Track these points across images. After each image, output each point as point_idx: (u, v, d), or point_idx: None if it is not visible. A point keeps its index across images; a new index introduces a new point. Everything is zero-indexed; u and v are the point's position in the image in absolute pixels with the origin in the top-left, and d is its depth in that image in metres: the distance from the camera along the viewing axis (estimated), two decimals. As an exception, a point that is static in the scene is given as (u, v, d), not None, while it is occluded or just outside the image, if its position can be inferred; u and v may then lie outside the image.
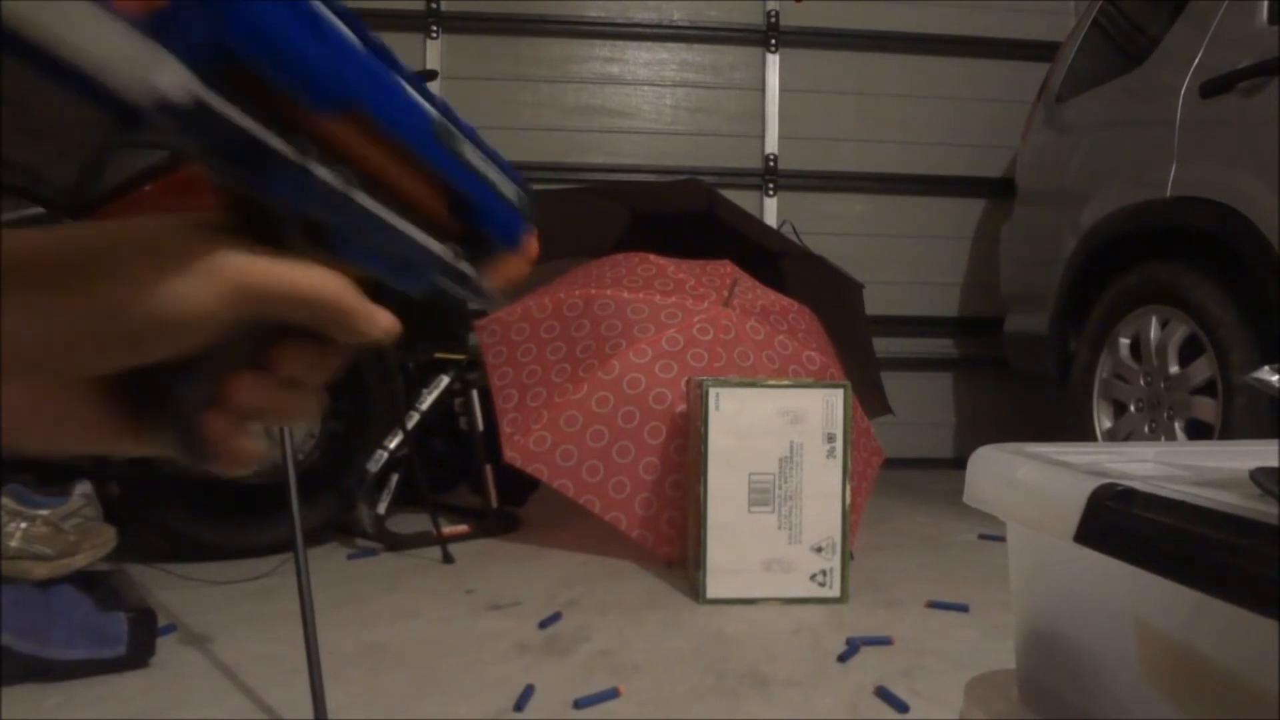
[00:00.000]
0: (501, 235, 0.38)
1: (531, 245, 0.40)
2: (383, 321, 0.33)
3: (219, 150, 0.27)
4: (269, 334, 0.32)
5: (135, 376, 0.30)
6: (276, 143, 0.27)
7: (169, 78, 0.23)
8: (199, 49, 0.24)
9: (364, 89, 0.29)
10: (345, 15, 0.29)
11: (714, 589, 1.91)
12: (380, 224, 0.32)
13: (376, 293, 0.33)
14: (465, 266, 0.37)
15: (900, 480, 3.40)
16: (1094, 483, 0.52)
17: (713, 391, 1.91)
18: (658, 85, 3.86)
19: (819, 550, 1.94)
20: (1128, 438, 2.57)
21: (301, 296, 0.30)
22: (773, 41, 3.84)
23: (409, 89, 0.32)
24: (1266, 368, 2.05)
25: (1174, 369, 2.41)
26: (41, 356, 0.27)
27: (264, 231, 0.30)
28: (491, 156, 0.37)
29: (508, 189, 0.38)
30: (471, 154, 0.35)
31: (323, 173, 0.29)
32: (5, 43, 0.21)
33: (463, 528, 2.47)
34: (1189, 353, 2.37)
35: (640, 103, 3.85)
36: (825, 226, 3.80)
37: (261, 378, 0.32)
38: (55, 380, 0.30)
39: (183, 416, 0.31)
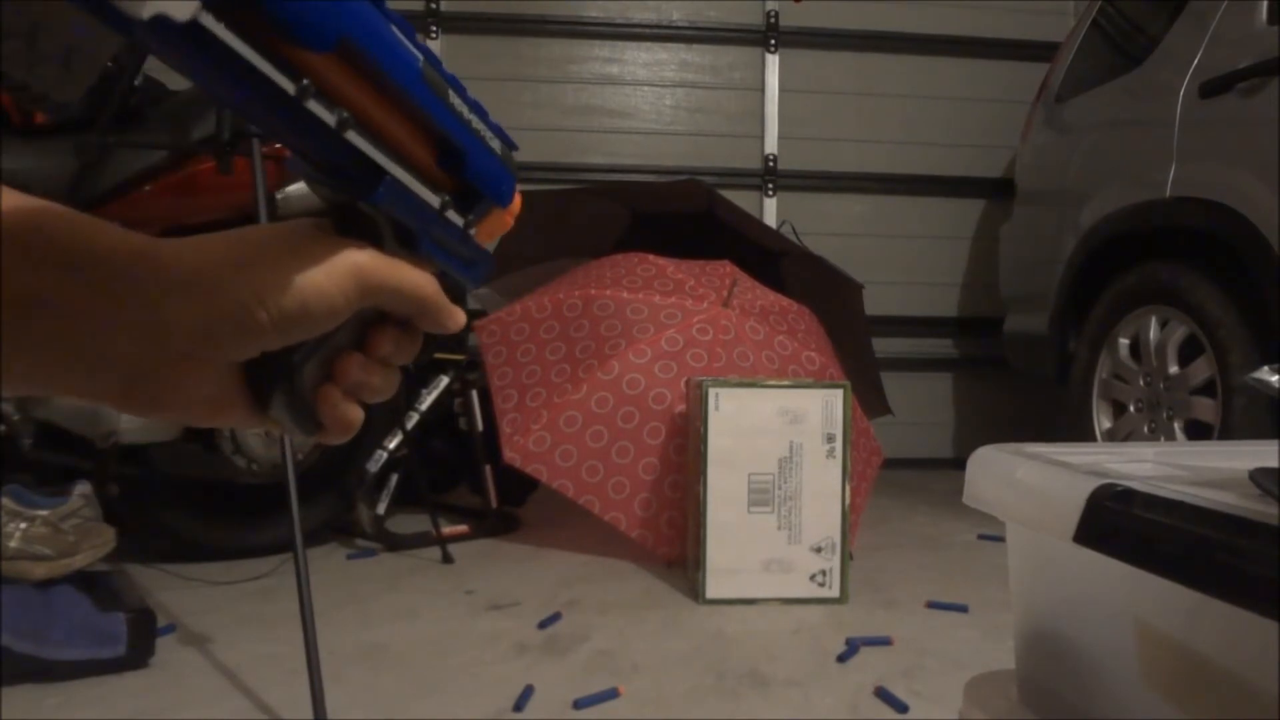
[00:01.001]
0: (489, 188, 0.40)
1: (516, 200, 0.42)
2: (459, 316, 0.39)
3: (334, 172, 0.33)
4: (368, 321, 0.37)
5: (264, 358, 0.34)
6: (273, 73, 0.29)
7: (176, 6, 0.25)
8: None
9: (355, 26, 0.30)
10: None
11: (714, 589, 1.91)
12: (373, 165, 0.34)
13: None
14: (454, 217, 0.39)
15: (900, 480, 3.40)
16: (1093, 483, 0.52)
17: (712, 392, 1.91)
18: (657, 85, 3.86)
19: (819, 550, 1.94)
20: (1127, 438, 2.57)
21: (408, 291, 0.36)
22: (772, 42, 3.84)
23: (398, 32, 0.33)
24: (1266, 368, 2.05)
25: (1173, 369, 2.41)
26: (201, 344, 0.32)
27: (366, 231, 0.35)
28: (475, 108, 0.38)
29: (494, 143, 0.39)
30: (458, 103, 0.36)
31: (320, 111, 0.31)
32: None
33: (462, 528, 2.47)
34: (1188, 353, 2.37)
35: (640, 103, 3.85)
36: (825, 227, 3.80)
37: (362, 358, 0.38)
38: (208, 363, 0.34)
39: (304, 392, 0.36)
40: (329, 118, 0.31)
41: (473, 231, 0.40)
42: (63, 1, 0.23)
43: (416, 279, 0.36)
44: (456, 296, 2.80)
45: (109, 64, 1.81)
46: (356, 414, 0.38)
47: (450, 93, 0.36)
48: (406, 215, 0.35)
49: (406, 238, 0.36)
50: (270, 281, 0.32)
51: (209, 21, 0.26)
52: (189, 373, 0.33)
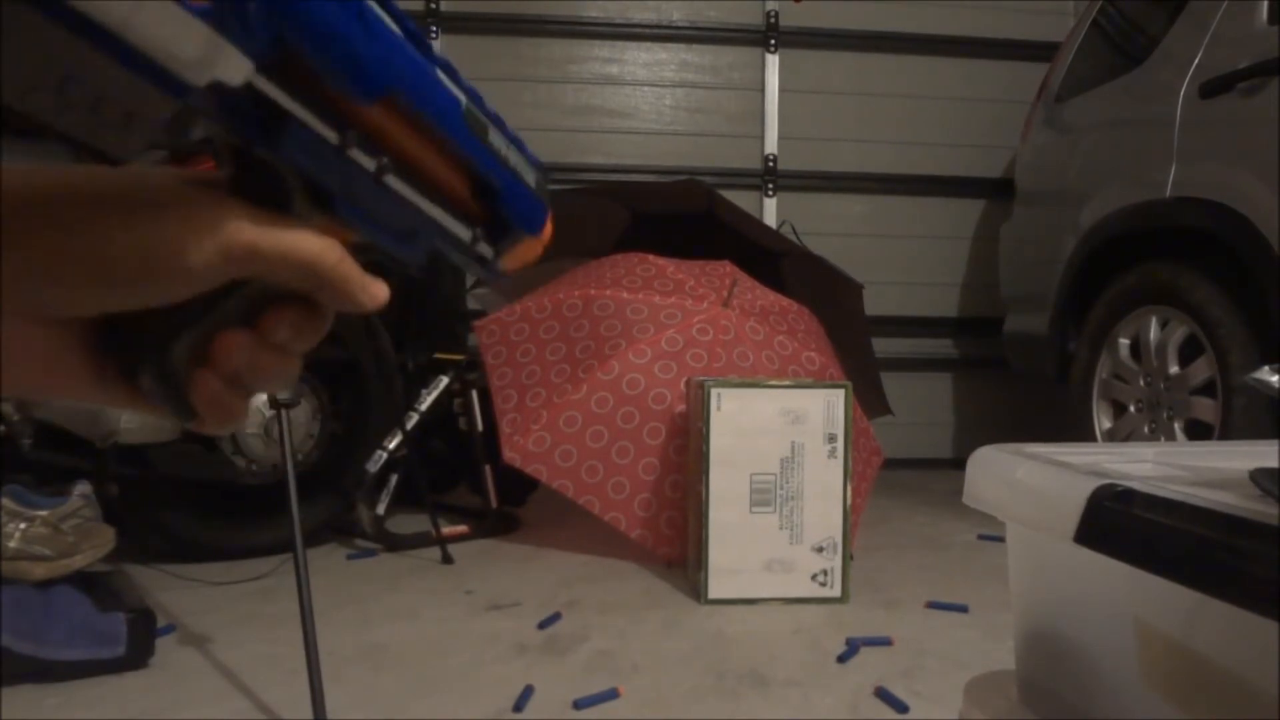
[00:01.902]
0: (522, 220, 0.39)
1: (547, 229, 0.41)
2: (375, 290, 0.33)
3: (236, 114, 0.28)
4: (262, 296, 0.32)
5: (130, 329, 0.31)
6: (323, 129, 0.29)
7: (228, 64, 0.25)
8: (258, 39, 0.26)
9: (405, 79, 0.30)
10: (386, 3, 0.30)
11: (715, 589, 1.91)
12: (411, 209, 0.33)
13: (375, 269, 0.34)
14: (484, 249, 0.38)
15: (900, 480, 3.40)
16: (1094, 483, 0.52)
17: (714, 392, 1.91)
18: (657, 86, 3.86)
19: (820, 550, 1.94)
20: (1127, 438, 2.57)
21: (295, 260, 0.30)
22: (772, 42, 3.84)
23: (443, 77, 0.33)
24: (1266, 368, 2.04)
25: (1174, 369, 2.41)
26: (36, 290, 0.28)
27: (267, 190, 0.31)
28: (514, 142, 0.38)
29: (529, 175, 0.39)
30: (497, 140, 0.36)
31: (363, 159, 0.31)
32: (82, 28, 0.23)
33: (462, 528, 2.47)
34: (1188, 353, 2.37)
35: (640, 103, 3.85)
36: (825, 227, 3.80)
37: (251, 338, 0.32)
38: (49, 318, 0.30)
39: (172, 371, 0.32)
40: (369, 164, 0.31)
41: (501, 260, 0.40)
42: (122, 71, 0.24)
43: (310, 246, 0.30)
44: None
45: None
46: (237, 403, 0.33)
47: (490, 131, 0.36)
48: (319, 170, 0.30)
49: (320, 198, 0.31)
50: (112, 229, 0.28)
51: (263, 84, 0.27)
52: (23, 337, 0.30)
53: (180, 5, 0.23)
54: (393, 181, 0.32)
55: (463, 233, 0.36)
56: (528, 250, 0.41)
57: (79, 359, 0.31)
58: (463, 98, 0.34)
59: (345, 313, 0.34)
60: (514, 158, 0.37)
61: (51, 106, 0.24)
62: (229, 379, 0.33)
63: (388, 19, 0.30)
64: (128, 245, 0.28)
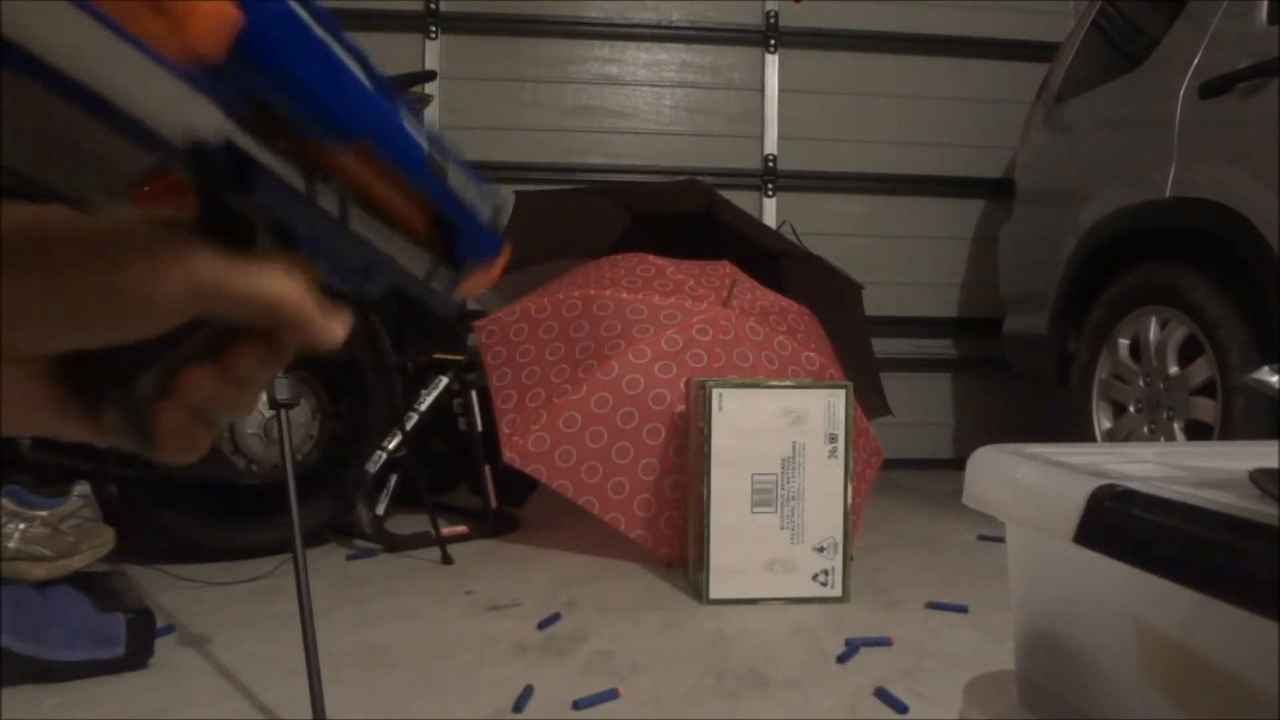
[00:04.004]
0: (476, 253, 0.41)
1: (499, 260, 0.43)
2: (335, 330, 0.34)
3: (203, 157, 0.29)
4: (224, 331, 0.33)
5: (92, 364, 0.31)
6: (292, 178, 0.30)
7: (207, 122, 0.26)
8: (236, 96, 0.27)
9: (372, 126, 0.32)
10: (356, 54, 0.31)
11: (717, 589, 1.91)
12: (371, 248, 0.35)
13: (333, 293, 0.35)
14: (438, 282, 0.39)
15: (900, 481, 3.40)
16: (1093, 483, 0.52)
17: (716, 392, 1.91)
18: (657, 86, 3.86)
19: (821, 550, 1.94)
20: (1127, 438, 2.57)
21: (260, 299, 0.31)
22: (772, 42, 3.84)
23: (406, 123, 0.34)
24: (1266, 368, 2.05)
25: (1173, 370, 2.41)
26: (5, 330, 0.29)
27: (231, 228, 0.32)
28: (471, 176, 0.39)
29: (485, 210, 0.40)
30: (455, 180, 0.37)
31: (328, 205, 0.32)
32: (62, 86, 0.23)
33: (462, 528, 2.47)
34: (1188, 353, 2.37)
35: (639, 103, 3.85)
36: (824, 227, 3.80)
37: (213, 372, 0.33)
38: (14, 356, 0.30)
39: (136, 405, 0.32)
40: (334, 209, 0.32)
41: (455, 289, 0.41)
42: (101, 128, 0.24)
43: (273, 286, 0.31)
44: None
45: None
46: (200, 435, 0.34)
47: (450, 172, 0.37)
48: (283, 212, 0.32)
49: (284, 238, 0.32)
50: (76, 268, 0.29)
51: (241, 139, 0.27)
52: None
53: (161, 65, 0.24)
54: (356, 224, 0.33)
55: (419, 268, 0.38)
56: (479, 279, 0.42)
57: (41, 394, 0.32)
58: (424, 143, 0.35)
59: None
60: (471, 194, 0.39)
61: (29, 157, 0.25)
62: (191, 411, 0.33)
63: (359, 72, 0.31)
64: (97, 286, 0.29)
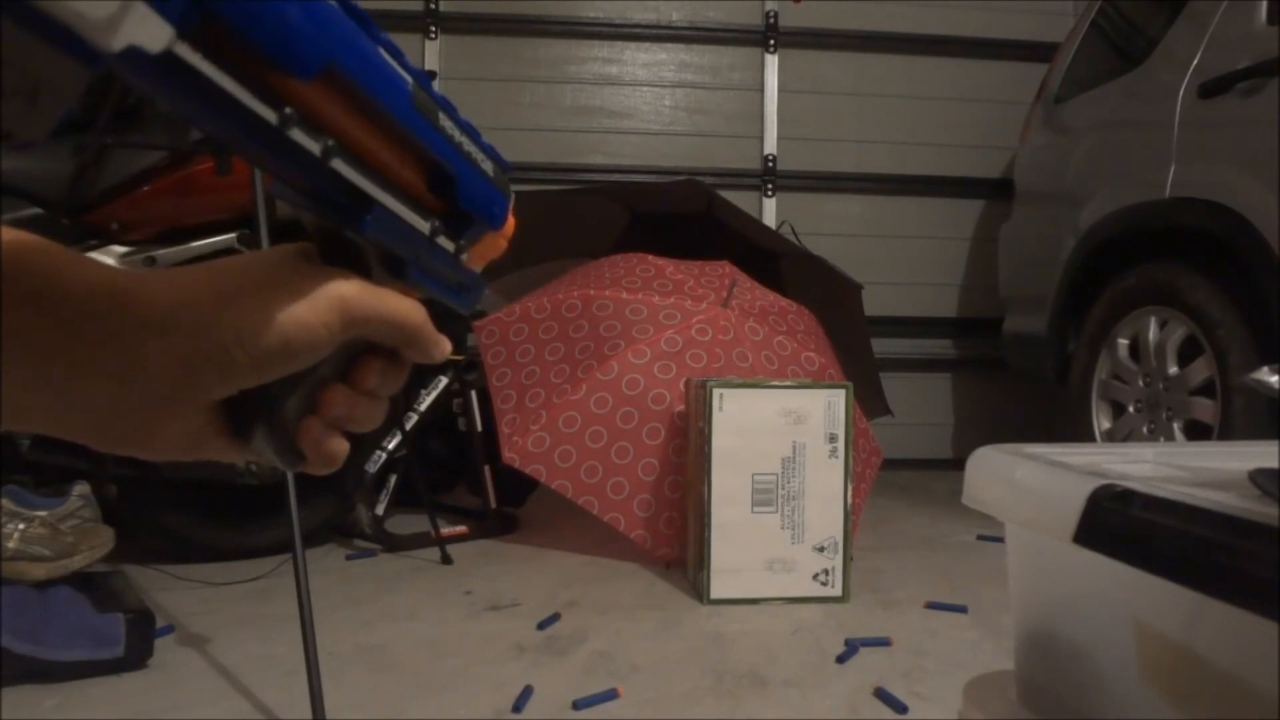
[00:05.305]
0: (482, 211, 0.38)
1: (509, 223, 0.41)
2: (446, 346, 0.38)
3: (321, 199, 0.31)
4: (354, 351, 0.36)
5: (245, 391, 0.33)
6: (252, 102, 0.27)
7: (142, 27, 0.23)
8: (178, 4, 0.24)
9: (342, 52, 0.29)
10: None
11: (718, 589, 1.91)
12: (360, 192, 0.33)
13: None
14: (445, 243, 0.38)
15: (899, 481, 3.40)
16: (1093, 484, 0.52)
17: (717, 392, 1.91)
18: (656, 86, 3.86)
19: (821, 550, 1.94)
20: (1126, 438, 2.57)
21: (395, 321, 0.35)
22: (771, 42, 3.84)
23: (387, 57, 0.32)
24: (1265, 368, 2.05)
25: (1173, 370, 2.41)
26: (179, 385, 0.31)
27: (350, 261, 0.34)
28: (468, 131, 0.37)
29: (486, 165, 0.38)
30: (448, 125, 0.35)
31: (305, 140, 0.29)
32: None
33: (461, 529, 2.47)
34: (1188, 353, 2.37)
35: (639, 103, 3.85)
36: (824, 227, 3.80)
37: (347, 389, 0.37)
38: (189, 402, 0.33)
39: (286, 426, 0.35)
40: (314, 146, 0.30)
41: (464, 256, 0.39)
42: (25, 34, 0.22)
43: (403, 308, 0.35)
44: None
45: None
46: (340, 446, 0.38)
47: (441, 116, 0.35)
48: (395, 243, 0.34)
49: (394, 266, 0.35)
50: (251, 318, 0.31)
51: (185, 51, 0.25)
52: (165, 413, 0.33)
53: None
54: (340, 166, 0.31)
55: (421, 224, 0.36)
56: (490, 245, 0.41)
57: (210, 424, 0.35)
58: (410, 80, 0.33)
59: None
60: (468, 145, 0.37)
61: None
62: (329, 425, 0.37)
63: None
64: (258, 328, 0.31)
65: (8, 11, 0.21)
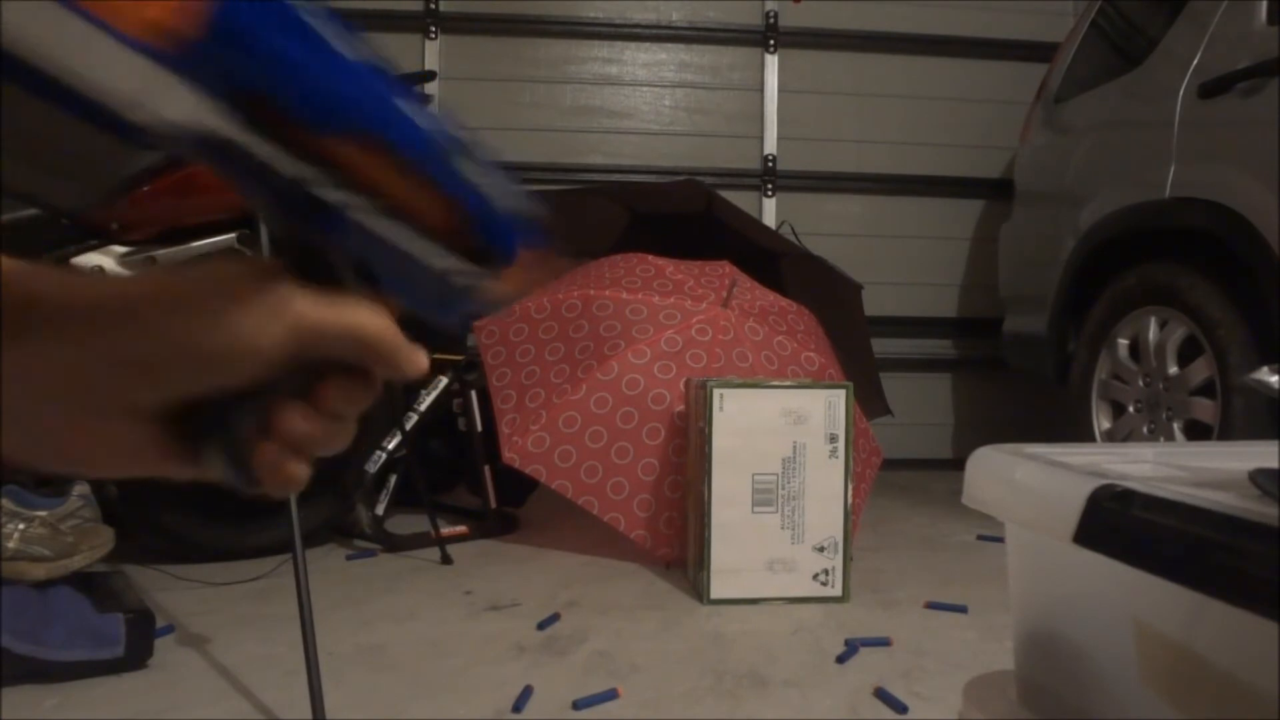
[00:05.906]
0: (503, 248, 0.38)
1: (529, 256, 0.40)
2: (419, 360, 0.36)
3: (279, 202, 0.30)
4: (315, 368, 0.34)
5: (192, 407, 0.32)
6: (290, 168, 0.29)
7: (179, 105, 0.25)
8: (220, 79, 0.26)
9: (367, 116, 0.30)
10: (345, 29, 0.30)
11: (718, 589, 1.91)
12: (391, 247, 0.33)
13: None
14: (471, 279, 0.38)
15: (899, 481, 3.40)
16: (1093, 484, 0.52)
17: (717, 392, 1.91)
18: (656, 86, 3.86)
19: (821, 550, 1.94)
20: (1126, 438, 2.57)
21: (355, 335, 0.33)
22: (771, 42, 3.84)
23: (413, 111, 0.33)
24: (1266, 368, 2.05)
25: (1173, 370, 2.41)
26: (130, 388, 0.30)
27: (319, 269, 0.33)
28: (489, 168, 0.37)
29: (508, 201, 0.38)
30: (471, 169, 0.35)
31: (334, 196, 0.31)
32: (13, 71, 0.22)
33: (461, 529, 2.47)
34: (1188, 353, 2.37)
35: (639, 103, 3.85)
36: (824, 227, 3.80)
37: (307, 409, 0.35)
38: (119, 409, 0.32)
39: (237, 445, 0.34)
40: (337, 199, 0.31)
41: (484, 287, 0.39)
42: (62, 114, 0.23)
43: (367, 323, 0.33)
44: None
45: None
46: (298, 470, 0.35)
47: (466, 161, 0.35)
48: (369, 253, 0.33)
49: (368, 277, 0.34)
50: (194, 324, 0.30)
51: (218, 123, 0.26)
52: (101, 428, 0.32)
53: (112, 39, 0.22)
54: (372, 222, 0.32)
55: (447, 265, 0.36)
56: (513, 278, 0.40)
57: (146, 439, 0.33)
58: (435, 130, 0.34)
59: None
60: (490, 185, 0.37)
61: (13, 167, 0.24)
62: (288, 447, 0.34)
63: (352, 56, 0.30)
64: (200, 335, 0.30)
65: (44, 95, 0.22)
